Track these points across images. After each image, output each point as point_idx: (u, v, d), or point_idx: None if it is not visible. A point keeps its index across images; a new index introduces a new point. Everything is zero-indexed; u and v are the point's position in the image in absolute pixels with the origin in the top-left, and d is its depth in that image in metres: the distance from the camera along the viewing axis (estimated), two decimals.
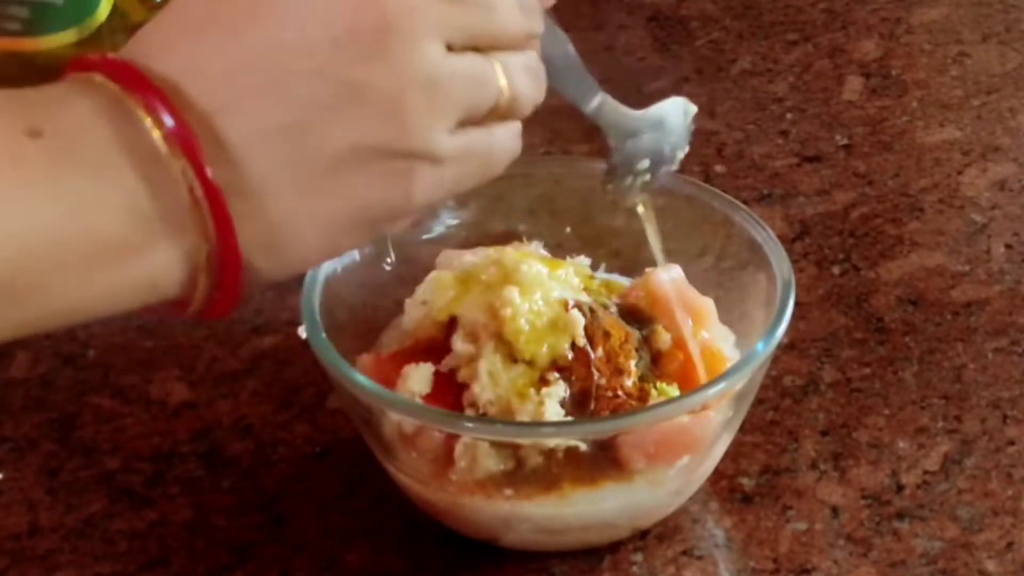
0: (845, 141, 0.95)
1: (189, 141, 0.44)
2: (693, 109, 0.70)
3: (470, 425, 0.63)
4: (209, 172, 0.44)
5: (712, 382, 0.63)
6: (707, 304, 0.70)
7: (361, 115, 0.47)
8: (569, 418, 0.64)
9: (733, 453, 0.70)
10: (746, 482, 0.70)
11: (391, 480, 0.68)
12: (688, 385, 0.66)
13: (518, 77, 0.53)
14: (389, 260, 0.72)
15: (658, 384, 0.66)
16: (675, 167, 0.69)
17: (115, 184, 0.44)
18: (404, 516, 0.69)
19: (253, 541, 0.69)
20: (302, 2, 0.47)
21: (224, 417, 0.76)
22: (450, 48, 0.50)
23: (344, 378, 0.64)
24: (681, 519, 0.68)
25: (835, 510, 0.68)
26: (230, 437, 0.74)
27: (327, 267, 0.69)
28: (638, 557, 0.67)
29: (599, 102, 0.64)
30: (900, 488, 0.69)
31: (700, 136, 0.96)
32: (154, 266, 0.46)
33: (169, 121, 0.44)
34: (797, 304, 0.68)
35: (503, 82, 0.52)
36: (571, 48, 0.61)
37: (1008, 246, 0.85)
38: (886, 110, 0.98)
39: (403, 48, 0.48)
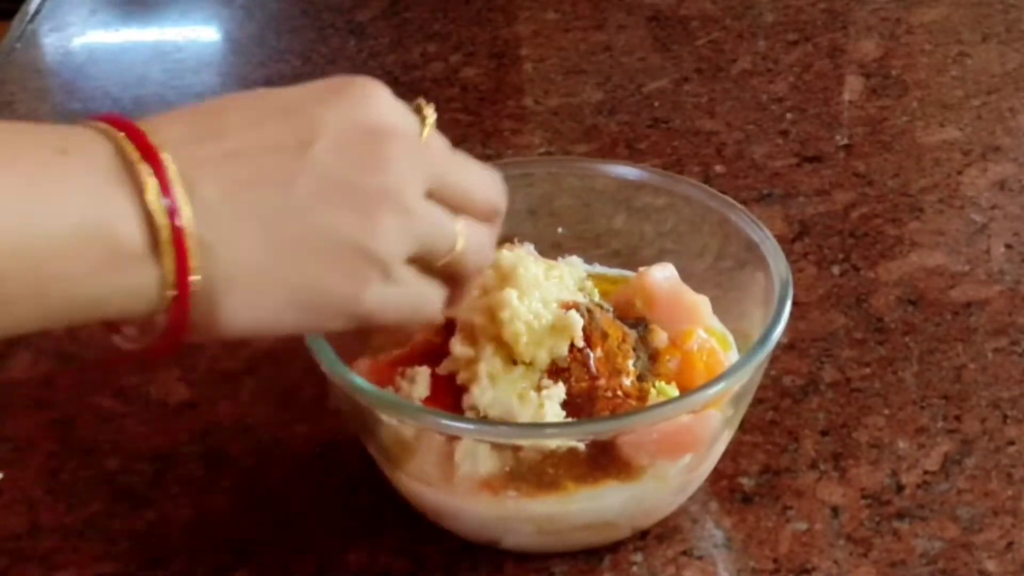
0: (845, 141, 0.96)
1: (170, 191, 0.50)
2: None
3: (470, 427, 0.63)
4: (182, 221, 0.50)
5: (711, 382, 0.63)
6: (701, 302, 0.70)
7: (343, 208, 0.54)
8: (569, 419, 0.64)
9: (733, 453, 0.70)
10: (746, 482, 0.70)
11: (391, 482, 0.68)
12: (686, 383, 0.66)
13: (471, 240, 0.59)
14: None
15: (657, 383, 0.66)
16: None
17: (119, 200, 0.50)
18: (404, 516, 0.69)
19: (253, 541, 0.69)
20: (334, 104, 0.55)
21: (224, 417, 0.76)
22: (428, 194, 0.57)
23: (344, 383, 0.64)
24: (681, 519, 0.68)
25: (835, 510, 0.68)
26: (230, 437, 0.74)
27: None
28: (638, 557, 0.67)
29: None
30: (900, 488, 0.69)
31: (700, 136, 0.97)
32: (130, 281, 0.51)
33: (154, 179, 0.50)
34: (797, 304, 0.68)
35: (458, 241, 0.58)
36: None
37: (1008, 246, 0.85)
38: (886, 110, 0.98)
39: (397, 174, 0.55)
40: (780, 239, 0.72)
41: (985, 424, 0.73)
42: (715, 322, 0.71)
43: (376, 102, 0.56)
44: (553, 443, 0.63)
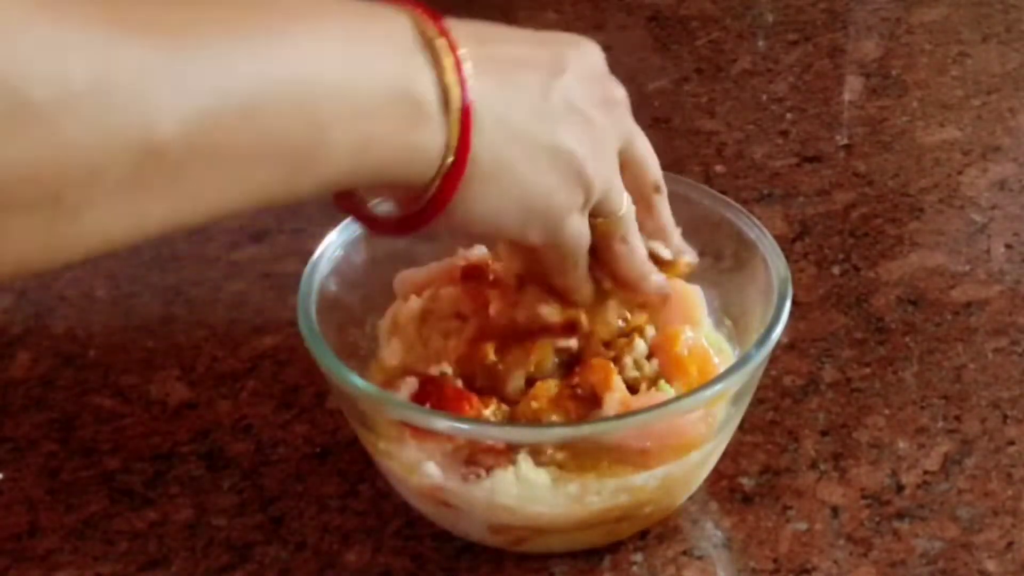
0: (845, 141, 0.96)
1: (461, 68, 0.56)
2: None
3: (466, 427, 0.63)
4: (470, 95, 0.56)
5: (711, 382, 0.63)
6: (694, 293, 0.70)
7: (577, 132, 0.60)
8: (571, 421, 0.64)
9: (733, 453, 0.70)
10: (746, 482, 0.70)
11: (391, 482, 0.68)
12: (677, 377, 0.66)
13: (630, 210, 0.65)
14: None
15: (660, 383, 0.66)
16: None
17: (420, 67, 0.55)
18: (404, 516, 0.69)
19: (253, 541, 0.69)
20: (577, 47, 0.62)
21: (224, 417, 0.76)
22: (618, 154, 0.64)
23: (344, 383, 0.63)
24: (681, 519, 0.68)
25: (835, 510, 0.69)
26: (230, 437, 0.74)
27: (322, 270, 0.69)
28: (638, 557, 0.67)
29: None
30: (900, 488, 0.69)
31: (700, 136, 0.97)
32: (423, 141, 0.55)
33: (450, 55, 0.56)
34: (797, 304, 0.68)
35: (624, 204, 0.64)
36: None
37: (1008, 246, 0.85)
38: (886, 110, 0.98)
39: (619, 117, 0.63)
40: (780, 239, 0.72)
41: (985, 424, 0.73)
42: (707, 321, 0.71)
43: (601, 58, 0.64)
44: (553, 442, 0.63)
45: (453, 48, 0.56)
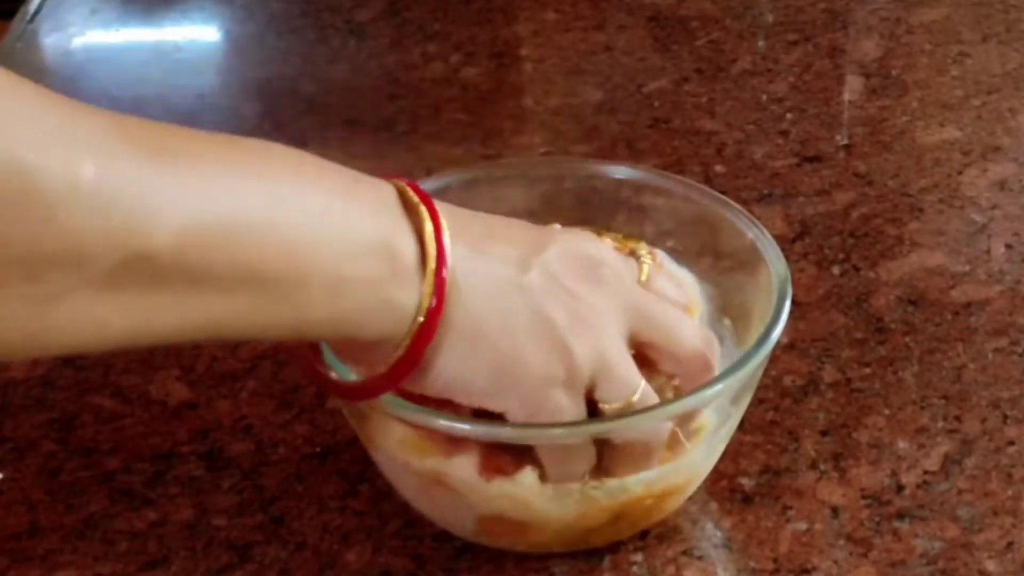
0: (845, 141, 0.96)
1: (441, 233, 0.58)
2: None
3: (469, 428, 0.63)
4: (447, 257, 0.58)
5: (711, 382, 0.63)
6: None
7: (558, 305, 0.60)
8: (571, 420, 0.64)
9: (733, 453, 0.70)
10: (746, 482, 0.70)
11: (390, 482, 0.68)
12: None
13: (647, 399, 0.62)
14: None
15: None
16: None
17: (401, 225, 0.58)
18: (404, 516, 0.69)
19: (253, 541, 0.69)
20: (564, 232, 0.65)
21: (224, 417, 0.76)
22: (630, 335, 0.62)
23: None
24: (681, 519, 0.68)
25: (835, 510, 0.68)
26: (230, 437, 0.74)
27: None
28: (638, 557, 0.67)
29: None
30: (900, 488, 0.69)
31: (700, 136, 0.97)
32: (399, 297, 0.57)
33: (430, 221, 0.58)
34: (797, 304, 0.68)
35: (637, 393, 0.62)
36: None
37: (1008, 246, 0.85)
38: (886, 110, 0.98)
39: (605, 297, 0.61)
40: (780, 239, 0.72)
41: (985, 424, 0.73)
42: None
43: (597, 242, 0.64)
44: (555, 442, 0.63)
45: (434, 215, 0.58)
